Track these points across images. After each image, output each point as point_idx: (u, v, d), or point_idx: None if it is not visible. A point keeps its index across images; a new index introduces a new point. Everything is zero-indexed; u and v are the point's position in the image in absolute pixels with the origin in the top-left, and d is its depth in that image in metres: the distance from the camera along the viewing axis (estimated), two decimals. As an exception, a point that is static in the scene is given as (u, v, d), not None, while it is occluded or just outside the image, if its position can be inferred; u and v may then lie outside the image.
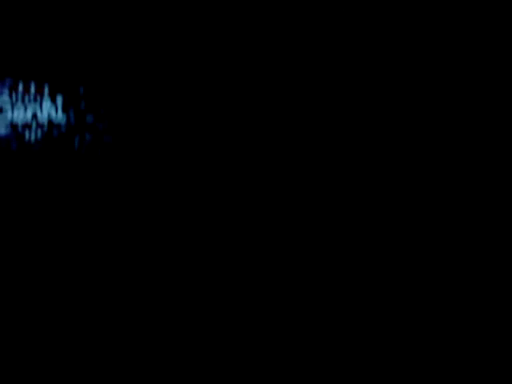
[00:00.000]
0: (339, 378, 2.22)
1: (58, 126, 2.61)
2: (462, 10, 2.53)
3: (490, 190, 2.51)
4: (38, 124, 2.58)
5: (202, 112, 2.67)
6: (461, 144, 2.53)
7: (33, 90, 2.56)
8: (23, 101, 2.55)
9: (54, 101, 2.59)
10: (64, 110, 2.61)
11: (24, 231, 2.59)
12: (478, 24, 2.52)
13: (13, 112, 2.54)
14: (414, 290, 2.42)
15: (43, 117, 2.58)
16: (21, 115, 2.55)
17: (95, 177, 2.67)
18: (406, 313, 2.38)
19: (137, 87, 2.65)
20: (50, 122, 2.60)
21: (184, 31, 2.66)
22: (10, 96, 2.53)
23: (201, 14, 2.67)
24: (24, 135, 2.57)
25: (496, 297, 2.36)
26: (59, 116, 2.61)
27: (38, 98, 2.57)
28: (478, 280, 2.41)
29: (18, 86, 2.53)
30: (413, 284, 2.43)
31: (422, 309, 2.39)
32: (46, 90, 2.58)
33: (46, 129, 2.60)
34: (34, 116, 2.57)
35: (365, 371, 2.24)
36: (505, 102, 2.49)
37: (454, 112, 2.55)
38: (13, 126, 2.55)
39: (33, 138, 2.59)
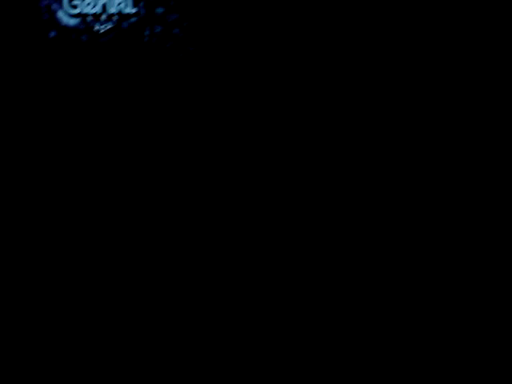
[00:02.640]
0: (339, 378, 2.20)
1: (128, 17, 2.60)
2: (462, 10, 2.54)
3: (489, 190, 2.49)
4: (107, 16, 2.57)
5: None
6: (460, 145, 2.53)
7: (103, -18, 2.56)
8: (93, -7, 2.55)
9: (123, -7, 2.59)
10: (134, 1, 2.60)
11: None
12: (478, 24, 2.53)
13: (82, 3, 2.53)
14: (413, 290, 2.40)
15: (113, 9, 2.57)
16: (90, 7, 2.54)
17: (164, 69, 2.63)
18: (405, 313, 2.36)
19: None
20: (119, 13, 2.58)
21: None
22: (81, -12, 2.52)
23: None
24: (94, 27, 2.55)
25: (496, 297, 2.34)
26: (129, 8, 2.59)
27: (108, -10, 2.57)
28: (477, 280, 2.38)
29: (88, -22, 2.54)
30: (413, 284, 2.41)
31: (421, 309, 2.37)
32: (116, -17, 2.58)
33: (115, 21, 2.58)
34: (104, 8, 2.56)
35: (365, 371, 2.23)
36: (505, 102, 2.48)
37: (454, 113, 2.55)
38: (82, 17, 2.53)
39: (102, 29, 2.57)
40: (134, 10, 2.61)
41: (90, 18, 2.56)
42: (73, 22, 2.54)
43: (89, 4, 2.54)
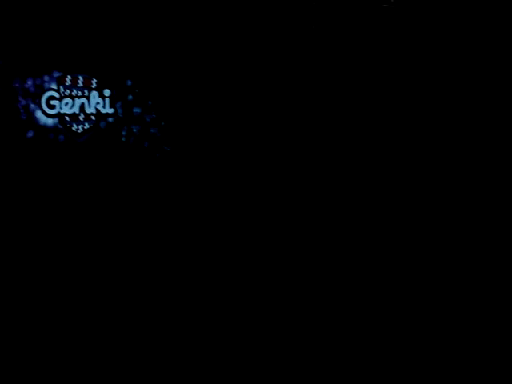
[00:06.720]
0: (339, 378, 2.17)
1: (106, 117, 2.65)
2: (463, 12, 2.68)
3: (489, 190, 2.56)
4: (85, 116, 2.60)
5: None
6: (460, 145, 2.64)
7: (80, 83, 2.60)
8: (71, 93, 2.57)
9: (101, 93, 2.64)
10: (111, 102, 2.67)
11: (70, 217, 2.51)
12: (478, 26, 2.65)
13: (60, 103, 2.54)
14: (413, 290, 2.39)
15: (91, 109, 2.61)
16: (68, 107, 2.56)
17: (141, 167, 2.71)
18: (405, 312, 2.32)
19: (183, 80, 2.82)
20: (97, 113, 2.63)
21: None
22: (58, 89, 2.53)
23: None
24: (71, 127, 2.57)
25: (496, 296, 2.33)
26: (106, 108, 2.65)
27: (86, 90, 2.61)
28: (477, 280, 2.40)
29: (65, 79, 2.56)
30: (412, 284, 2.42)
31: (421, 309, 2.33)
32: (94, 83, 2.63)
33: (93, 121, 2.62)
34: (82, 108, 2.60)
35: (364, 371, 2.27)
36: (504, 102, 2.56)
37: (454, 114, 2.66)
38: (61, 117, 2.53)
39: (80, 129, 2.59)
40: (111, 110, 2.67)
41: (67, 118, 2.56)
42: (51, 121, 2.51)
43: (67, 104, 2.55)
